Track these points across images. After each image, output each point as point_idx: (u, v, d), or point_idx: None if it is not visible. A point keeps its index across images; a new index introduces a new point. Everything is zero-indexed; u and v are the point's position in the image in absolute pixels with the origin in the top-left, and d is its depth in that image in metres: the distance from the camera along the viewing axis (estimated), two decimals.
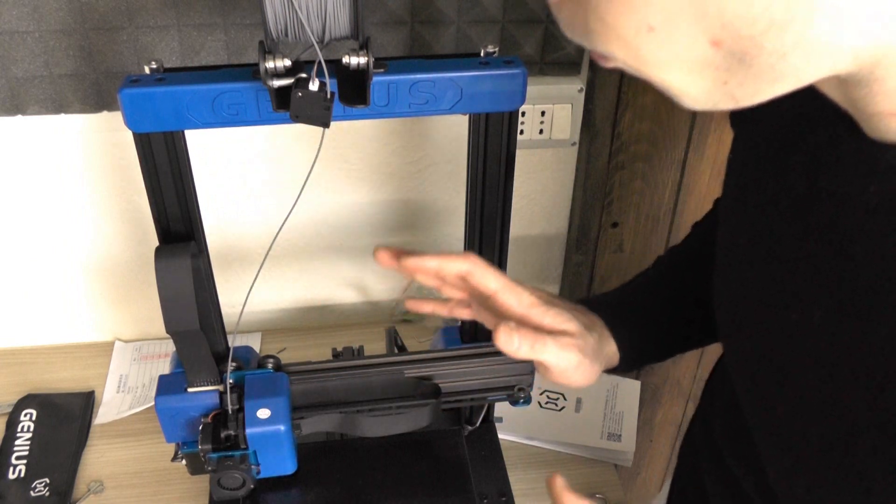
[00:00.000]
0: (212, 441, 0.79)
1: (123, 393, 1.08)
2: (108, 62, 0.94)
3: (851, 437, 0.45)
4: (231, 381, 0.80)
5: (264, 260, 0.77)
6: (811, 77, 0.38)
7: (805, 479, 0.50)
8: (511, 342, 0.63)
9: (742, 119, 0.59)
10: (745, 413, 0.56)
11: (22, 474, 0.96)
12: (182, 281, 0.72)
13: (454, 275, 0.68)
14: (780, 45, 0.36)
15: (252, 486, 0.81)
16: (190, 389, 0.80)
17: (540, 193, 1.15)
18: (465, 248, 0.84)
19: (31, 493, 0.94)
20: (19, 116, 0.96)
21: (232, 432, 0.79)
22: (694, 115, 1.07)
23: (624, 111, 1.05)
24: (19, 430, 1.02)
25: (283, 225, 0.73)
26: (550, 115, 1.03)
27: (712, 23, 0.35)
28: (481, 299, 0.70)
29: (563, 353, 0.66)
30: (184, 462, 0.82)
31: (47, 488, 0.95)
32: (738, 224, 0.57)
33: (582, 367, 0.67)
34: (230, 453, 0.79)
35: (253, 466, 0.80)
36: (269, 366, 0.83)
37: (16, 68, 0.92)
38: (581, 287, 1.23)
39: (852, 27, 0.35)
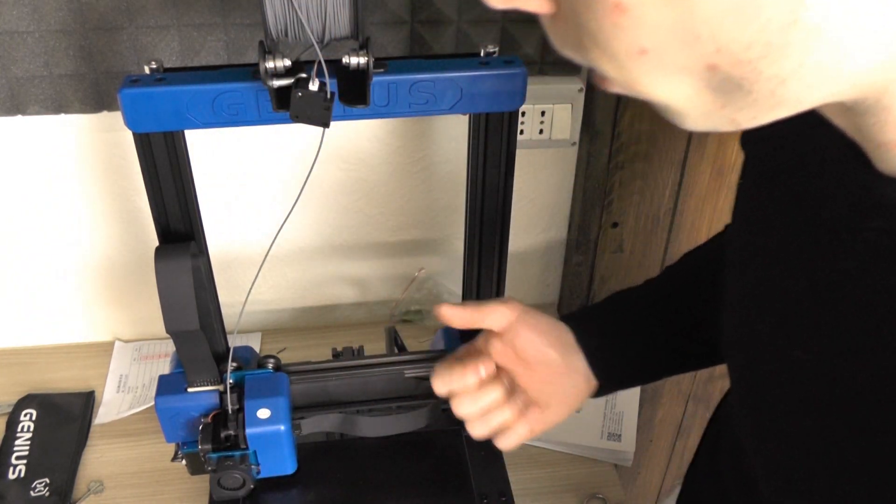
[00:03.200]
0: (212, 441, 0.79)
1: (123, 393, 1.08)
2: (108, 62, 0.94)
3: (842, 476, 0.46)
4: (231, 381, 0.80)
5: (264, 260, 0.77)
6: (812, 103, 0.37)
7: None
8: None
9: (752, 139, 0.57)
10: (746, 444, 0.57)
11: (22, 474, 0.96)
12: (182, 281, 0.72)
13: None
14: (779, 71, 0.34)
15: (252, 486, 0.81)
16: (190, 389, 0.80)
17: (540, 194, 1.15)
18: (464, 249, 0.84)
19: (32, 493, 0.94)
20: (19, 116, 0.96)
21: (232, 432, 0.79)
22: None
23: (624, 111, 1.05)
24: (19, 430, 1.02)
25: (283, 224, 0.74)
26: (550, 115, 1.03)
27: (706, 47, 0.34)
28: None
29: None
30: (184, 462, 0.82)
31: (47, 488, 0.95)
32: (745, 257, 0.55)
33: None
34: (230, 453, 0.79)
35: (253, 466, 0.80)
36: (269, 366, 0.83)
37: (16, 68, 0.92)
38: (581, 287, 1.23)
39: (856, 54, 0.34)
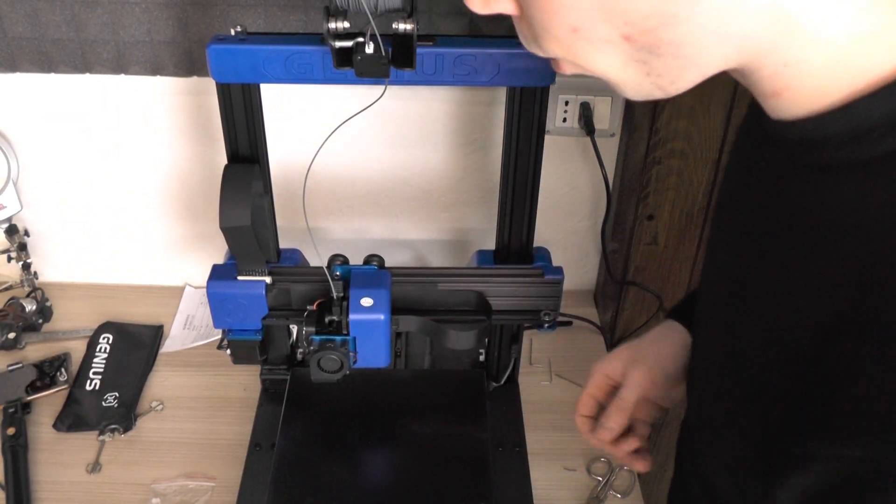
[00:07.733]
0: (316, 324, 0.83)
1: (189, 330, 1.20)
2: (200, 33, 1.05)
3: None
4: (338, 273, 0.86)
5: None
6: (712, 67, 0.45)
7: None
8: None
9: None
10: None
11: (97, 387, 1.10)
12: (241, 187, 0.82)
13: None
14: (675, 37, 0.43)
15: (347, 372, 0.84)
16: (240, 277, 0.88)
17: (582, 181, 1.22)
18: (499, 204, 0.93)
19: (103, 403, 1.07)
20: (122, 75, 1.09)
21: (335, 318, 0.83)
22: (728, 118, 1.14)
23: (662, 109, 1.12)
24: (97, 350, 1.15)
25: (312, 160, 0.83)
26: (592, 106, 1.12)
27: (618, 21, 0.43)
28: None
29: None
30: (228, 351, 0.88)
31: (116, 400, 1.08)
32: (720, 217, 0.65)
33: None
34: (332, 337, 0.83)
35: (351, 354, 0.83)
36: (374, 263, 0.90)
37: (124, 33, 1.04)
38: (616, 275, 1.29)
39: (734, 21, 0.42)
